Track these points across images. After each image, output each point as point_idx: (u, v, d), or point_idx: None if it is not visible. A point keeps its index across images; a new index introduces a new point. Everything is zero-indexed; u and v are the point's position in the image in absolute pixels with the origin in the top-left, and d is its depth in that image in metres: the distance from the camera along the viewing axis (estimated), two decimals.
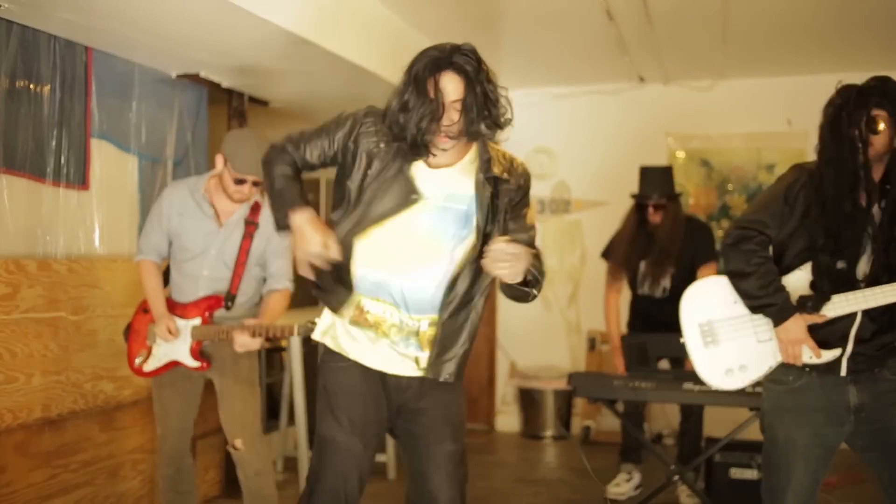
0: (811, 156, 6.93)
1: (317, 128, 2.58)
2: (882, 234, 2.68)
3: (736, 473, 4.37)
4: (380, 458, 5.60)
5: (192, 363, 3.63)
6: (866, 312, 2.69)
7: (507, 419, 6.93)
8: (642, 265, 4.76)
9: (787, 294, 2.72)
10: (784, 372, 2.80)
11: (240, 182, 3.53)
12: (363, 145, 2.48)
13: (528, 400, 6.58)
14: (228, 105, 5.04)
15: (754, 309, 2.79)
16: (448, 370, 2.52)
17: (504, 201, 2.51)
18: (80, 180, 4.10)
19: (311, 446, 4.53)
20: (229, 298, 3.65)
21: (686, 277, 4.57)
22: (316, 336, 2.61)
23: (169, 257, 3.70)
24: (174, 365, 3.65)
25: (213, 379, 3.74)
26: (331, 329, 2.57)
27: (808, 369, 2.75)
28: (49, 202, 3.93)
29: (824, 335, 2.71)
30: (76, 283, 3.93)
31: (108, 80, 4.25)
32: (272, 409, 6.13)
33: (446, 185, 2.49)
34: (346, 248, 2.48)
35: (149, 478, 4.36)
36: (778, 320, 2.72)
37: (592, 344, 6.68)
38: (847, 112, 2.67)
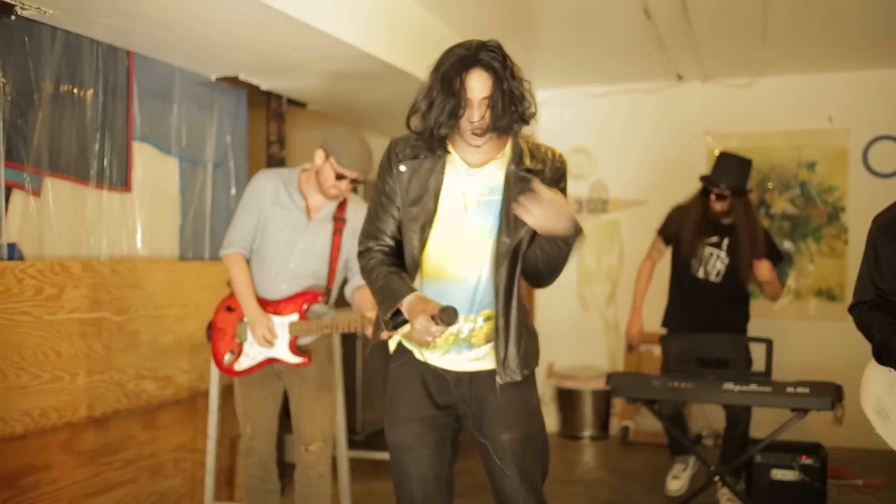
0: (854, 153, 6.89)
1: (372, 204, 2.64)
2: None
3: (777, 475, 4.33)
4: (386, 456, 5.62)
5: (294, 359, 3.63)
6: None
7: (546, 419, 6.90)
8: (708, 250, 4.74)
9: None
10: None
11: (340, 178, 3.56)
12: (404, 162, 2.55)
13: (567, 400, 6.56)
14: (267, 107, 5.09)
15: (888, 364, 2.75)
16: (511, 366, 2.54)
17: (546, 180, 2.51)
18: (123, 182, 4.15)
19: (357, 443, 4.56)
20: (327, 293, 3.70)
21: (740, 272, 4.68)
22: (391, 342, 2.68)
23: (252, 258, 3.70)
24: (271, 362, 3.66)
25: (289, 381, 3.72)
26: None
27: None
28: (92, 204, 3.98)
29: None
30: (119, 284, 3.98)
31: (149, 84, 4.30)
32: None
33: (487, 181, 2.52)
34: (414, 265, 2.55)
35: (190, 476, 4.41)
36: None
37: (630, 346, 6.64)
38: None
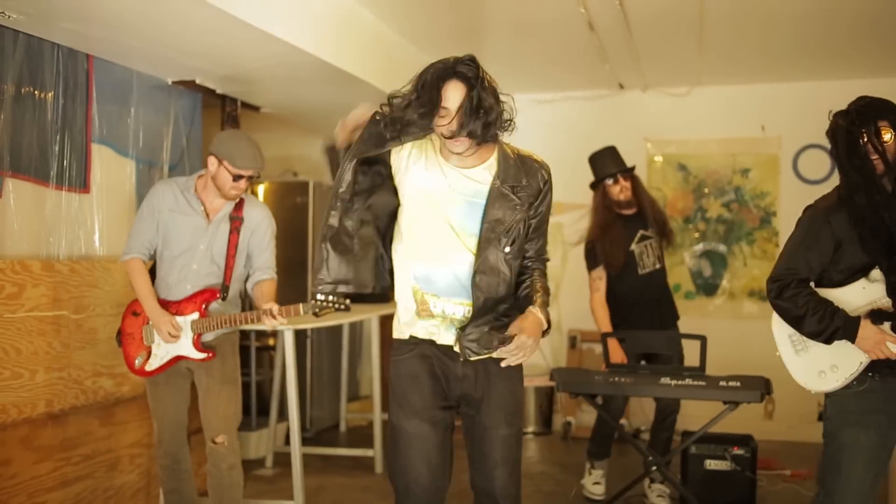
0: (785, 161, 7.17)
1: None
2: None
3: (711, 465, 4.56)
4: (367, 452, 5.77)
5: (198, 355, 3.79)
6: None
7: None
8: (639, 246, 4.86)
9: (844, 312, 2.88)
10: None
11: (238, 178, 3.71)
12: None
13: None
14: (222, 110, 5.19)
15: (827, 341, 2.92)
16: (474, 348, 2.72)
17: (524, 207, 2.73)
18: (82, 184, 4.23)
19: (307, 440, 4.70)
20: (224, 290, 3.84)
21: (674, 239, 4.97)
22: (395, 334, 2.84)
23: (155, 257, 3.86)
24: (178, 360, 3.81)
25: (198, 377, 3.90)
26: (401, 323, 2.81)
27: (871, 374, 2.90)
28: (52, 205, 4.06)
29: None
30: (77, 283, 4.07)
31: (107, 87, 4.39)
32: (261, 406, 6.29)
33: (474, 184, 2.72)
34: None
35: (146, 471, 4.50)
36: (851, 337, 2.87)
37: (573, 342, 6.88)
38: (854, 133, 2.86)
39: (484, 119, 2.57)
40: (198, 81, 4.82)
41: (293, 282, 6.23)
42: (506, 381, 2.79)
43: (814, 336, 2.95)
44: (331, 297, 3.59)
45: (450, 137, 2.60)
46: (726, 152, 6.79)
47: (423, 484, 2.73)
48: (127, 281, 4.28)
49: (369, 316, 5.74)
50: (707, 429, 4.33)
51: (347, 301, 3.62)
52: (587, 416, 6.67)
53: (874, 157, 2.85)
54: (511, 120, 2.67)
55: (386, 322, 7.15)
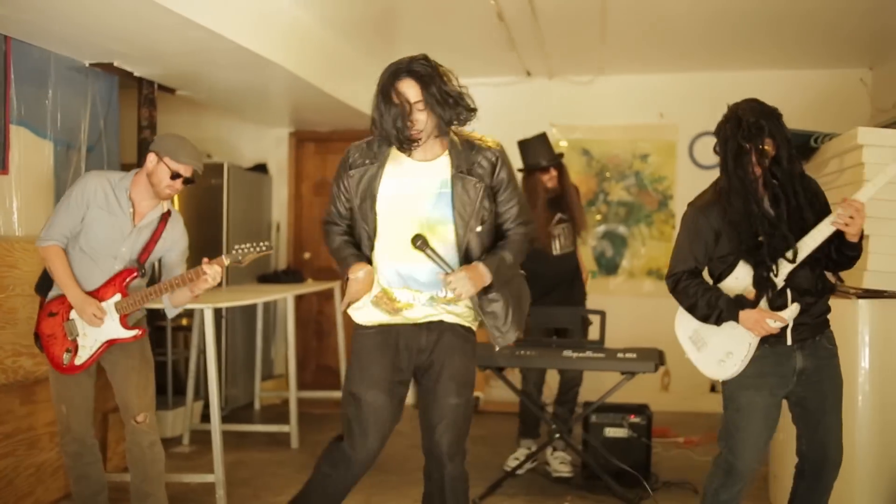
0: (681, 147, 7.56)
1: (330, 193, 3.12)
2: (787, 225, 3.17)
3: (609, 432, 4.86)
4: (283, 428, 5.93)
5: (128, 334, 3.81)
6: (795, 289, 3.18)
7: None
8: (557, 228, 5.16)
9: (727, 296, 3.21)
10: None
11: (175, 177, 3.74)
12: (354, 169, 3.02)
13: None
14: (139, 92, 5.24)
15: (716, 323, 3.25)
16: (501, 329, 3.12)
17: (483, 185, 2.98)
18: (1, 165, 4.27)
19: (222, 418, 4.83)
20: (141, 267, 3.84)
21: (587, 227, 5.28)
22: (352, 314, 3.12)
23: (71, 246, 3.82)
24: (110, 345, 3.83)
25: (114, 359, 3.87)
26: (361, 308, 3.09)
27: (762, 342, 3.21)
28: None
29: (777, 310, 3.18)
30: None
31: (25, 69, 4.42)
32: (177, 386, 6.38)
33: (439, 175, 2.96)
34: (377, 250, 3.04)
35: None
36: (733, 318, 3.20)
37: (482, 322, 7.13)
38: (743, 147, 3.14)
39: (454, 106, 2.85)
40: (116, 64, 4.87)
41: None
42: (461, 356, 3.06)
43: (705, 320, 3.27)
44: (250, 244, 3.69)
45: (420, 134, 2.86)
46: (627, 138, 7.13)
47: (375, 449, 3.02)
48: None
49: (284, 295, 5.88)
50: (606, 398, 4.64)
51: (267, 243, 3.70)
52: (496, 392, 6.97)
53: (757, 170, 3.15)
54: (475, 109, 2.93)
55: (300, 301, 7.31)
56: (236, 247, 3.68)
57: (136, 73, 5.11)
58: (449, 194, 2.96)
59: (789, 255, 3.15)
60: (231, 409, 6.74)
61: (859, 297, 4.01)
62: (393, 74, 2.85)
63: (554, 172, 5.13)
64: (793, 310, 3.16)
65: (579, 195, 5.42)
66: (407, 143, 2.90)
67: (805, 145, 4.68)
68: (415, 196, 2.98)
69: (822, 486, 3.31)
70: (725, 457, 3.31)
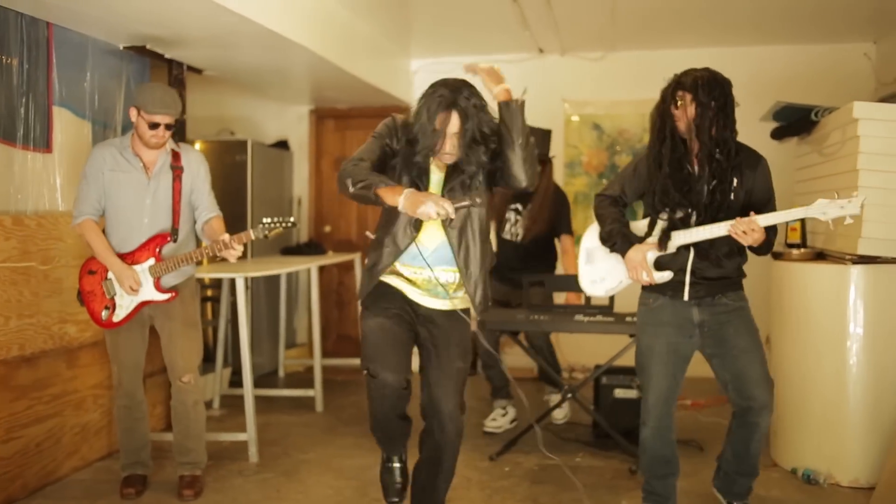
0: None
1: (368, 144, 3.30)
2: (709, 192, 3.47)
3: (619, 393, 5.12)
4: (307, 392, 6.22)
5: (161, 296, 4.13)
6: (696, 251, 3.51)
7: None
8: (511, 214, 5.45)
9: (627, 232, 3.62)
10: (647, 296, 3.66)
11: (154, 126, 4.01)
12: (401, 144, 3.27)
13: None
14: (169, 73, 5.48)
15: (610, 249, 3.68)
16: (477, 299, 3.35)
17: (470, 195, 3.24)
18: (45, 144, 4.53)
19: (254, 383, 5.14)
20: (174, 232, 4.16)
21: (544, 234, 5.45)
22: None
23: (104, 217, 4.15)
24: (143, 305, 4.16)
25: (160, 323, 4.25)
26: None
27: (663, 293, 3.58)
28: (20, 164, 4.35)
29: (669, 266, 3.55)
30: (44, 237, 4.39)
31: (65, 53, 4.67)
32: (206, 354, 6.66)
33: (437, 171, 3.30)
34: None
35: (107, 411, 4.87)
36: (622, 252, 3.60)
37: None
38: (664, 95, 3.53)
39: (483, 147, 3.16)
40: (148, 47, 5.12)
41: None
42: (462, 324, 3.36)
43: (604, 242, 3.70)
44: (275, 218, 3.99)
45: (452, 157, 3.19)
46: (637, 113, 7.33)
47: (392, 413, 3.33)
48: None
49: (308, 266, 6.14)
50: (615, 360, 4.90)
51: (292, 219, 4.01)
52: (508, 359, 7.22)
53: (678, 120, 3.45)
54: (495, 139, 3.20)
55: (321, 273, 7.58)
56: (263, 221, 3.96)
57: (167, 56, 5.35)
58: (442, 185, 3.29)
59: (680, 234, 3.49)
60: (257, 376, 7.02)
61: (854, 262, 4.25)
62: (446, 104, 3.11)
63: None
64: (663, 275, 3.54)
65: (562, 202, 5.58)
66: (427, 157, 3.21)
67: (806, 118, 4.90)
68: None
69: (752, 426, 3.58)
70: (642, 393, 3.71)
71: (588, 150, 7.45)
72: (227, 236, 3.98)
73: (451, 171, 3.26)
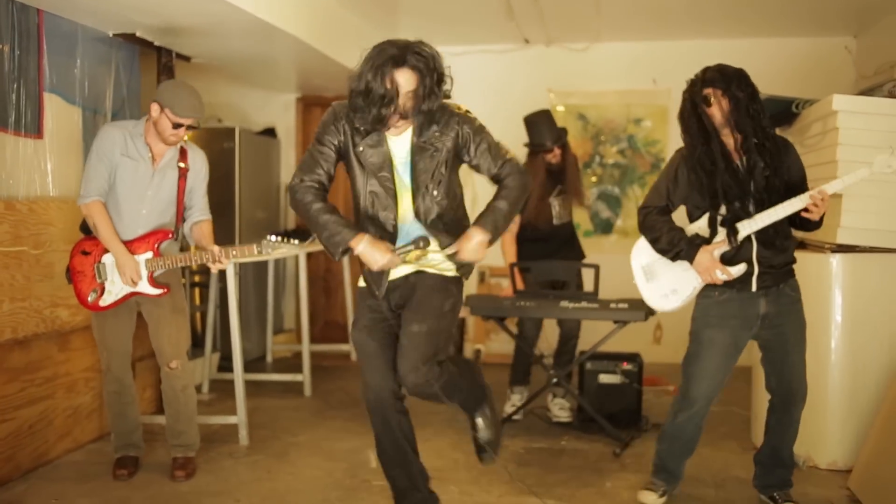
0: (673, 111, 7.83)
1: (310, 147, 3.29)
2: (756, 181, 3.54)
3: (603, 378, 5.21)
4: (296, 377, 6.28)
5: (155, 291, 4.18)
6: (759, 241, 3.55)
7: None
8: (554, 201, 5.44)
9: (689, 237, 3.60)
10: (712, 289, 3.67)
11: (177, 126, 4.05)
12: (349, 135, 3.22)
13: None
14: (158, 61, 5.51)
15: (673, 258, 3.65)
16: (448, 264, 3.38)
17: (439, 157, 3.25)
18: (36, 130, 4.56)
19: (245, 368, 5.19)
20: (176, 230, 4.23)
21: (581, 204, 5.58)
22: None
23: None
24: (132, 296, 4.20)
25: (148, 309, 4.29)
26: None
27: (729, 287, 3.60)
28: (11, 150, 4.39)
29: (735, 261, 3.57)
30: (36, 222, 4.42)
31: (56, 40, 4.70)
32: (195, 339, 6.70)
33: (405, 146, 3.24)
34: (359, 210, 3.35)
35: (99, 394, 4.92)
36: (689, 258, 3.59)
37: (482, 277, 7.49)
38: (691, 97, 3.57)
39: (433, 102, 3.07)
40: (138, 34, 5.15)
41: (222, 223, 6.62)
42: (429, 290, 3.35)
43: (663, 253, 3.67)
44: (279, 237, 4.06)
45: (405, 118, 3.10)
46: (621, 103, 7.43)
47: (373, 378, 3.37)
48: (80, 218, 4.65)
49: (296, 252, 6.19)
50: (599, 346, 5.00)
51: (295, 241, 4.07)
52: (496, 345, 7.33)
53: (714, 113, 3.54)
54: (450, 86, 3.15)
55: (308, 260, 7.64)
56: (269, 238, 4.01)
57: (157, 43, 5.38)
58: (409, 162, 3.24)
59: (745, 224, 3.53)
60: (245, 361, 7.02)
61: (833, 251, 4.35)
62: (393, 61, 2.99)
63: (558, 151, 5.38)
64: (740, 268, 3.55)
65: (577, 163, 5.68)
66: (379, 125, 3.12)
67: (787, 111, 5.00)
68: (387, 164, 3.26)
69: (790, 417, 3.71)
70: (684, 383, 3.73)
71: (573, 141, 7.45)
72: (217, 249, 4.07)
73: (417, 149, 3.22)
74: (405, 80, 3.02)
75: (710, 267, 3.55)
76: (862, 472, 4.05)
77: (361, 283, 3.47)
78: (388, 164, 3.24)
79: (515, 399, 5.56)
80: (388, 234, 3.30)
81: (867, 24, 6.70)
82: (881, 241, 4.27)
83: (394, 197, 3.27)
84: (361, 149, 3.22)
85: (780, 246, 3.59)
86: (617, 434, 4.87)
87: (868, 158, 4.27)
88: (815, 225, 3.59)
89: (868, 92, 5.80)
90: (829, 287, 4.35)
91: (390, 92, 3.01)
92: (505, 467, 4.33)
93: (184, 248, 4.42)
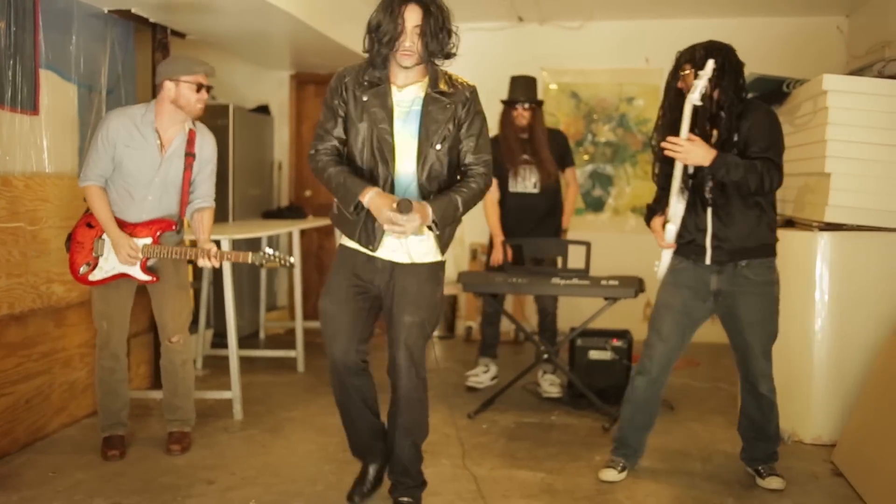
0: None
1: (322, 113, 3.38)
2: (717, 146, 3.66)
3: (594, 355, 5.29)
4: (289, 353, 6.34)
5: (144, 277, 4.22)
6: (714, 213, 3.68)
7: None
8: (524, 170, 5.53)
9: (650, 206, 3.98)
10: (675, 259, 3.82)
11: (200, 88, 4.11)
12: (351, 91, 3.31)
13: None
14: (153, 37, 5.53)
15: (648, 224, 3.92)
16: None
17: (449, 113, 3.30)
18: (32, 106, 4.57)
19: (240, 344, 5.25)
20: (179, 222, 4.27)
21: (552, 175, 5.54)
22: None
23: (109, 181, 4.18)
24: (121, 276, 4.22)
25: (155, 285, 4.30)
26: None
27: (686, 256, 3.76)
28: (7, 126, 4.39)
29: (688, 231, 3.75)
30: (32, 198, 4.45)
31: (51, 16, 4.70)
32: None
33: (411, 96, 3.31)
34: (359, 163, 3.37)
35: (94, 369, 4.95)
36: (647, 222, 3.99)
37: (474, 254, 7.55)
38: (672, 75, 3.77)
39: (445, 41, 3.18)
40: (133, 11, 5.16)
41: (215, 200, 6.66)
42: (415, 277, 3.39)
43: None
44: (277, 253, 4.15)
45: (411, 55, 3.17)
46: (614, 82, 7.46)
47: (337, 350, 3.43)
48: (75, 195, 4.68)
49: (290, 229, 6.23)
50: (590, 322, 5.06)
51: (291, 259, 4.17)
52: None
53: (682, 85, 3.72)
54: (456, 49, 3.25)
55: (301, 237, 7.68)
56: (266, 251, 4.13)
57: (152, 20, 5.39)
58: (418, 111, 3.29)
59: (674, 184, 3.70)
60: (238, 337, 7.10)
61: (821, 229, 4.42)
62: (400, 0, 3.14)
63: (524, 112, 5.47)
64: (669, 230, 3.73)
65: (563, 140, 5.74)
66: (382, 62, 3.24)
67: (778, 90, 5.05)
68: (388, 113, 3.30)
69: (757, 391, 3.85)
70: (644, 346, 3.91)
71: (566, 119, 7.57)
72: (213, 249, 4.15)
73: (431, 98, 3.28)
74: (412, 14, 3.14)
75: (656, 232, 3.82)
76: (845, 447, 4.13)
77: (347, 242, 3.45)
78: (389, 116, 3.30)
79: (479, 370, 5.70)
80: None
81: (859, 4, 6.73)
82: (869, 219, 4.34)
83: (391, 151, 3.31)
84: (366, 98, 3.29)
85: (724, 218, 3.68)
86: (606, 409, 4.94)
87: (857, 138, 4.36)
88: (750, 189, 3.60)
89: (859, 72, 5.86)
90: (816, 264, 4.42)
91: (399, 26, 3.13)
92: (496, 441, 4.39)
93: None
